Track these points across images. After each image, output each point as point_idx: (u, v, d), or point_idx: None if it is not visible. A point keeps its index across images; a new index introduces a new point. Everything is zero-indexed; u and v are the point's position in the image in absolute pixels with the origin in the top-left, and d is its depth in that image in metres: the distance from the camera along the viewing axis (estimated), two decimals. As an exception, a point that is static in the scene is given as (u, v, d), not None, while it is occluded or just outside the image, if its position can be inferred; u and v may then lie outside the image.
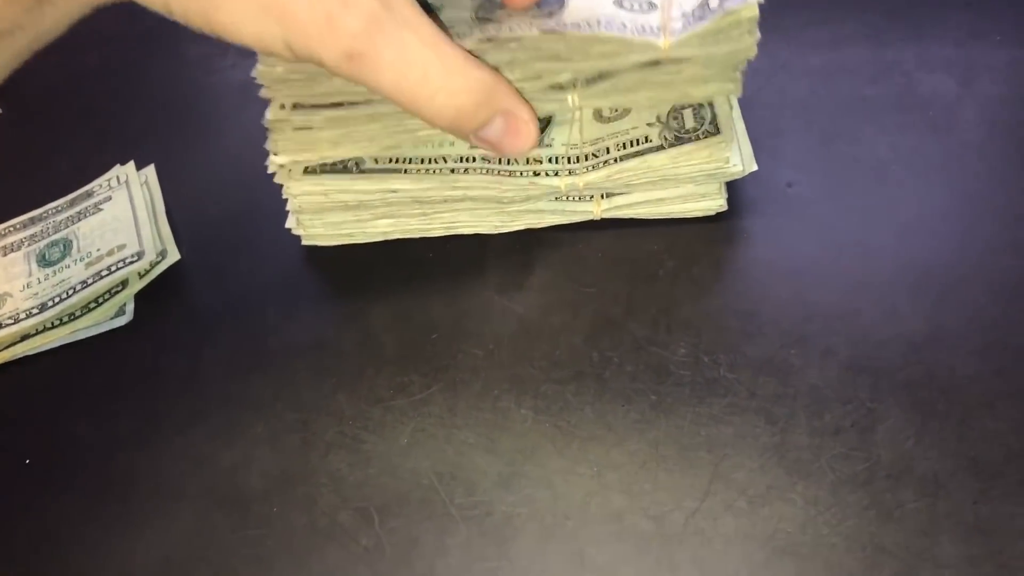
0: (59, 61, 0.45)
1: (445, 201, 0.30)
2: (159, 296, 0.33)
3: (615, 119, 0.31)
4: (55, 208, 0.36)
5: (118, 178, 0.36)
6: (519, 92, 0.27)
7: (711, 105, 0.29)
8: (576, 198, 0.31)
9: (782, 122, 0.34)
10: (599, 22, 0.27)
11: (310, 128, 0.29)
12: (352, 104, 0.29)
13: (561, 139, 0.31)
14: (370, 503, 0.26)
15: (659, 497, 0.25)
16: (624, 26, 0.27)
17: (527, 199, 0.30)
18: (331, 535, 0.25)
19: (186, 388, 0.29)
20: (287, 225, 0.32)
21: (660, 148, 0.29)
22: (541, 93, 0.29)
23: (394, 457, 0.27)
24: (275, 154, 0.30)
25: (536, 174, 0.30)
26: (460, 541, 0.25)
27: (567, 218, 0.31)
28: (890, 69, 0.35)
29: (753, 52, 0.27)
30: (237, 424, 0.28)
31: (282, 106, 0.29)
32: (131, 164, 0.37)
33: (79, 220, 0.35)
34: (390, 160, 0.30)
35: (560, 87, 0.29)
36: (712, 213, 0.31)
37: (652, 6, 0.28)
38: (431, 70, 0.24)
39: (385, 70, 0.23)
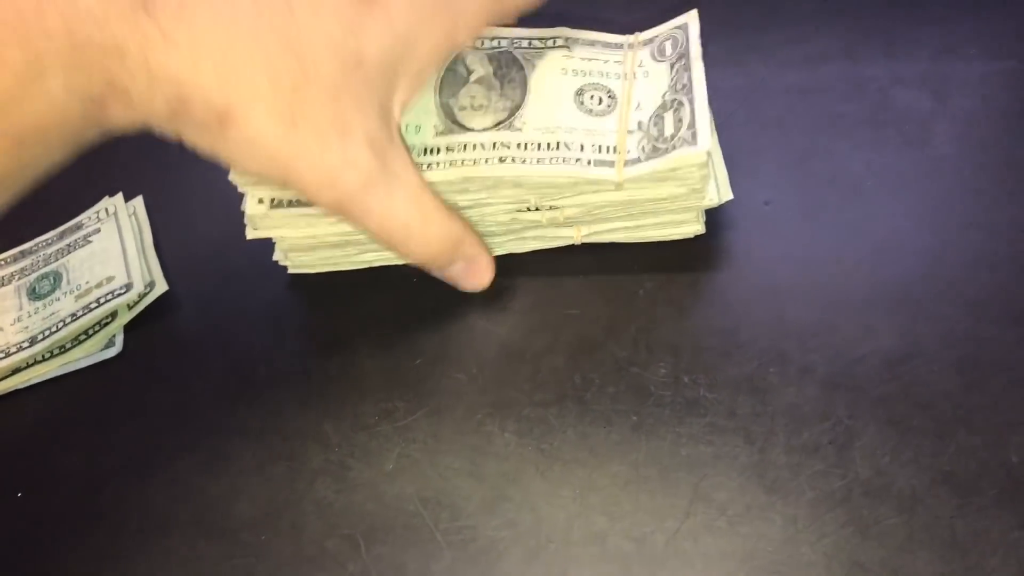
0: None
1: None
2: (148, 327, 0.33)
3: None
4: (45, 241, 0.36)
5: (107, 210, 0.37)
6: (481, 240, 0.29)
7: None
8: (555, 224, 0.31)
9: (759, 140, 0.34)
10: (559, 145, 0.28)
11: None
12: None
13: None
14: (356, 530, 0.26)
15: (641, 518, 0.25)
16: (582, 149, 0.28)
17: (508, 232, 0.31)
18: (319, 562, 0.26)
19: (175, 418, 0.30)
20: (274, 258, 0.33)
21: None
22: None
23: (380, 483, 0.27)
24: (255, 228, 0.31)
25: (518, 210, 0.30)
26: (445, 566, 0.25)
27: (548, 243, 0.32)
28: (865, 85, 0.35)
29: (705, 198, 0.29)
30: (225, 454, 0.28)
31: (260, 200, 0.29)
32: (119, 196, 0.37)
33: (69, 253, 0.35)
34: None
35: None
36: (690, 237, 0.31)
37: (612, 100, 0.30)
38: (412, 222, 0.26)
39: (371, 218, 0.26)
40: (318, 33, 0.23)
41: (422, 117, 0.29)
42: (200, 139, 0.24)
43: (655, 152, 0.28)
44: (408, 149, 0.27)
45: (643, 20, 0.32)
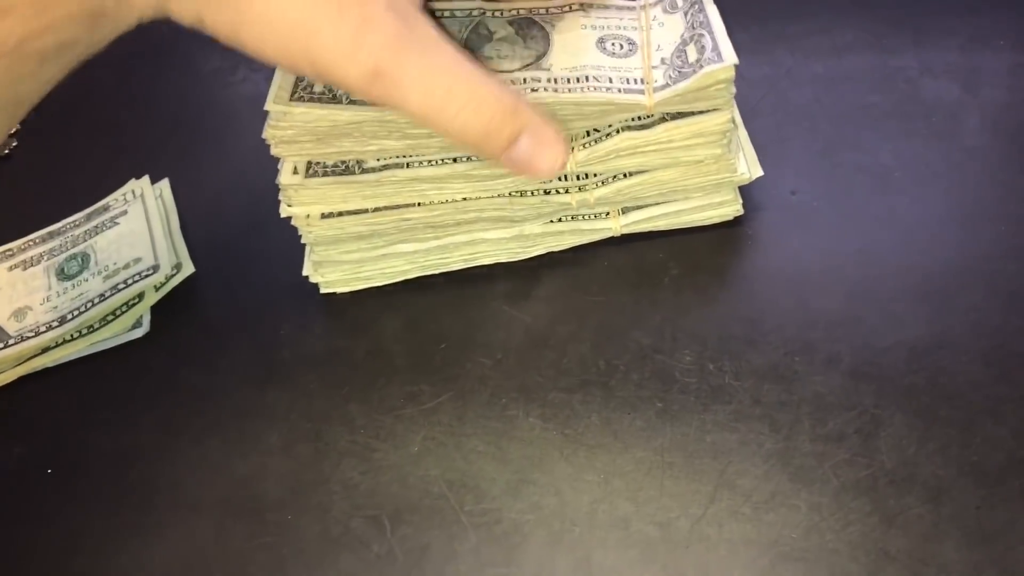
0: (74, 78, 0.46)
1: (458, 224, 0.31)
2: (175, 308, 0.33)
3: None
4: (73, 222, 0.37)
5: (133, 192, 0.37)
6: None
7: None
8: (593, 216, 0.31)
9: (786, 130, 0.34)
10: (587, 78, 0.28)
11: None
12: (362, 168, 0.29)
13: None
14: (382, 511, 0.26)
15: (665, 504, 0.25)
16: (610, 81, 0.28)
17: (539, 217, 0.31)
18: (344, 542, 0.26)
19: (202, 399, 0.30)
20: (304, 273, 0.32)
21: (663, 120, 0.29)
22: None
23: (405, 465, 0.27)
24: (289, 205, 0.30)
25: (547, 192, 0.30)
26: (470, 547, 0.25)
27: (587, 237, 0.32)
28: (893, 76, 0.35)
29: (729, 113, 0.28)
30: (252, 434, 0.29)
31: (295, 170, 0.29)
32: (146, 178, 0.38)
33: (96, 234, 0.36)
34: None
35: None
36: (730, 218, 0.31)
37: (632, 45, 0.30)
38: (456, 85, 0.24)
39: (411, 87, 0.24)
40: None
41: None
42: (219, 20, 0.23)
43: (682, 76, 0.28)
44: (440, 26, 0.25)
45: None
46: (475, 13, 0.31)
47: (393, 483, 0.27)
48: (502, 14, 0.30)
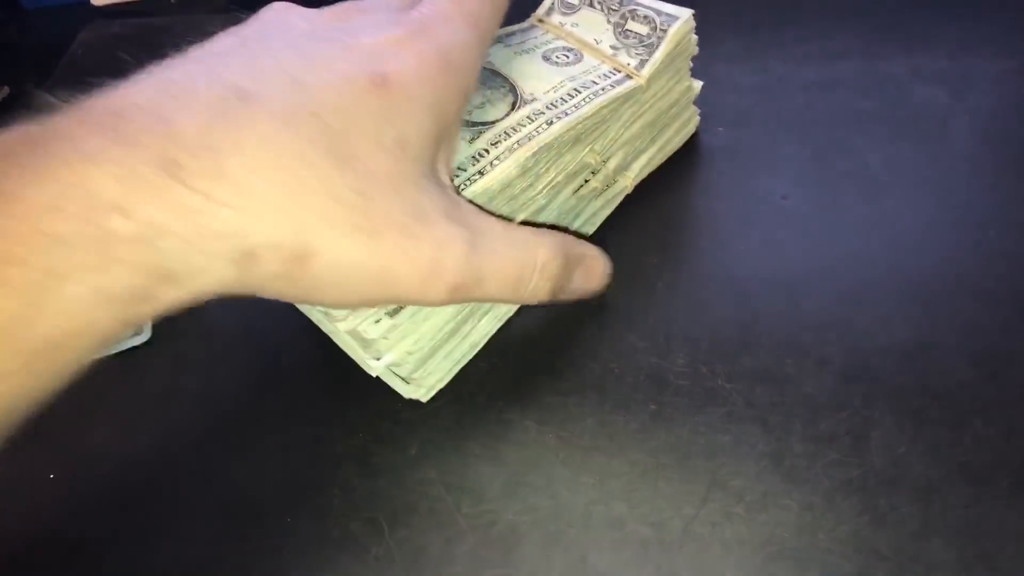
0: (77, 92, 0.47)
1: None
2: (176, 315, 0.34)
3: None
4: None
5: (135, 201, 0.37)
6: (575, 235, 0.29)
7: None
8: (608, 185, 0.33)
9: (778, 136, 0.34)
10: (577, 90, 0.29)
11: None
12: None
13: None
14: (380, 513, 0.27)
15: (659, 505, 0.26)
16: (595, 83, 0.30)
17: (577, 216, 0.32)
18: (343, 545, 0.26)
19: (202, 404, 0.31)
20: (407, 396, 0.29)
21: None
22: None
23: (403, 468, 0.28)
24: (377, 359, 0.27)
25: (576, 191, 0.31)
26: (467, 549, 0.26)
27: (613, 204, 0.33)
28: (883, 82, 0.35)
29: (694, 49, 0.32)
30: (251, 439, 0.29)
31: (377, 320, 0.26)
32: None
33: (98, 242, 0.36)
34: None
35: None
36: (695, 128, 0.35)
37: (571, 52, 0.31)
38: (524, 262, 0.25)
39: (487, 283, 0.24)
40: (357, 134, 0.22)
41: None
42: (281, 287, 0.21)
43: (650, 48, 0.30)
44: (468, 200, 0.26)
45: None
46: None
47: (391, 486, 0.27)
48: None
